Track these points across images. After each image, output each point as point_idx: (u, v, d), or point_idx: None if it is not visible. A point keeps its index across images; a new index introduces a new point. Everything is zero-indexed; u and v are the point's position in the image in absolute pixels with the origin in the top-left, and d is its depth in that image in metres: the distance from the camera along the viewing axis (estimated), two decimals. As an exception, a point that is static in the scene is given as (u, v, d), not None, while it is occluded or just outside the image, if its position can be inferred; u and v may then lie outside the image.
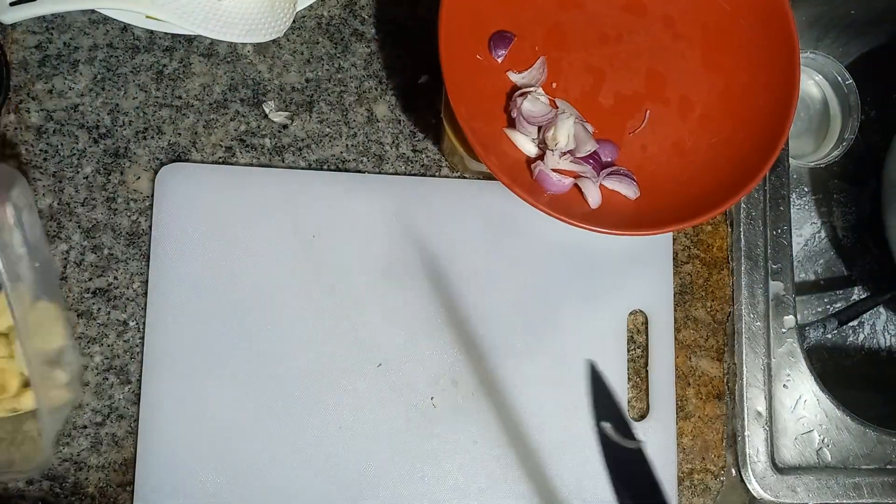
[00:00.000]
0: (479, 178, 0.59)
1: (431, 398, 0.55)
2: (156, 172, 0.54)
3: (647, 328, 0.60)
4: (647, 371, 0.59)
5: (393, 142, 0.59)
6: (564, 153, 0.50)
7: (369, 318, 0.55)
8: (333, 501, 0.53)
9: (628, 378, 0.59)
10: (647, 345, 0.60)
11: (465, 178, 0.59)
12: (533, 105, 0.50)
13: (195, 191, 0.54)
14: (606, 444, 0.49)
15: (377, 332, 0.55)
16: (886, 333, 0.84)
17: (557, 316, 0.58)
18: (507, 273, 0.58)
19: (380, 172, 0.58)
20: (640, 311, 0.60)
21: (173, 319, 0.53)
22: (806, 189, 0.83)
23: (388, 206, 0.57)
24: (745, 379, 0.62)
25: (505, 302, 0.57)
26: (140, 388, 0.52)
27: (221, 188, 0.55)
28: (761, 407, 0.61)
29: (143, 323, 0.53)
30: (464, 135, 0.48)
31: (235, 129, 0.56)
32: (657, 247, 0.61)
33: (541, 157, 0.51)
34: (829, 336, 0.82)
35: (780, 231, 0.65)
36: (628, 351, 0.59)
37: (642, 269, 0.60)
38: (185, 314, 0.53)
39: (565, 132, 0.50)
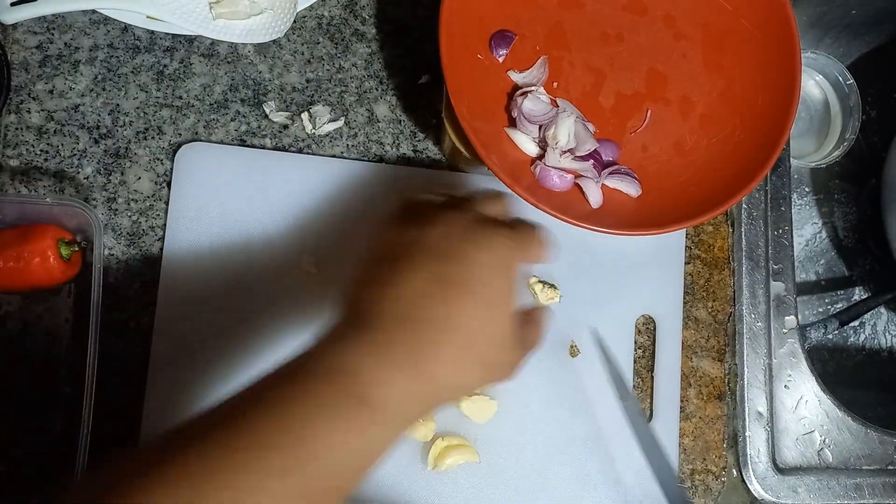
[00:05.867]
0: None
1: None
2: (174, 154, 0.54)
3: (653, 331, 0.60)
4: (651, 375, 0.59)
5: (393, 142, 0.58)
6: (565, 152, 0.50)
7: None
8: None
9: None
10: (653, 349, 0.59)
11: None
12: (534, 104, 0.50)
13: (214, 169, 0.54)
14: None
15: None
16: (887, 334, 0.84)
17: (567, 318, 0.58)
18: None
19: (380, 172, 0.58)
20: (649, 316, 0.60)
21: (184, 314, 0.53)
22: (807, 189, 0.83)
23: (403, 196, 0.57)
24: (746, 379, 0.61)
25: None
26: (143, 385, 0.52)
27: (240, 170, 0.55)
28: (762, 407, 0.61)
29: (143, 323, 0.53)
30: (465, 134, 0.48)
31: (236, 130, 0.56)
32: (668, 252, 0.61)
33: (541, 156, 0.51)
34: (830, 336, 0.82)
35: (781, 231, 0.64)
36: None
37: (654, 275, 0.60)
38: (196, 300, 0.53)
39: (566, 130, 0.50)
